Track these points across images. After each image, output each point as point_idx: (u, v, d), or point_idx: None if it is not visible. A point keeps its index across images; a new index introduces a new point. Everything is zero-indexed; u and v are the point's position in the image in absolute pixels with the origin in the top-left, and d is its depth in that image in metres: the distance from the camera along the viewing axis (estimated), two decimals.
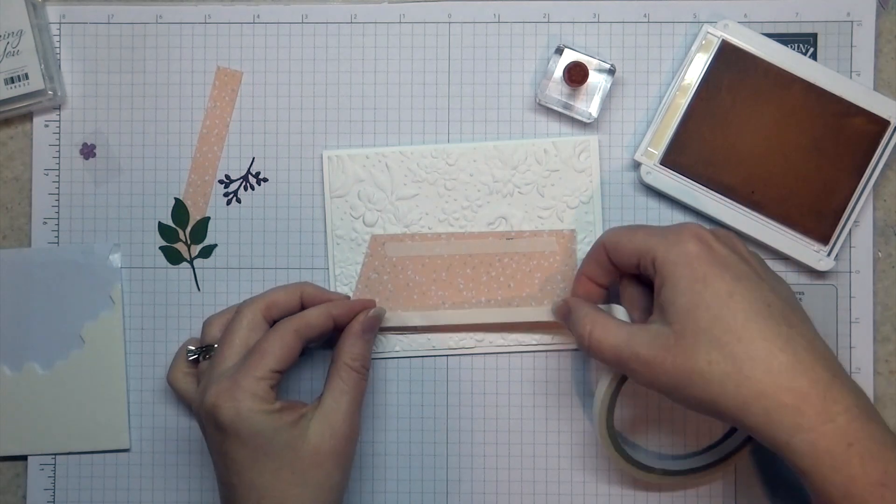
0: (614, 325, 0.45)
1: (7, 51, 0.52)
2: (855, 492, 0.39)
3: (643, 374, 0.43)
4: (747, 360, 0.40)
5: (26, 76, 0.52)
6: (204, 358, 0.49)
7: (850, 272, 0.53)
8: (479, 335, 0.53)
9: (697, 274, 0.42)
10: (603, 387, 0.48)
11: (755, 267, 0.44)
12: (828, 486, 0.40)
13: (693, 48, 0.52)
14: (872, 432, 0.40)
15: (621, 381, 0.48)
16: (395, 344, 0.53)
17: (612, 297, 0.50)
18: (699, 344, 0.41)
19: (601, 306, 0.48)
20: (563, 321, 0.49)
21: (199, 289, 0.54)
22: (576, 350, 0.53)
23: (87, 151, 0.54)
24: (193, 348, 0.50)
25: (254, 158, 0.54)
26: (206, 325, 0.50)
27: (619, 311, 0.47)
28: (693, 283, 0.42)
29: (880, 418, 0.41)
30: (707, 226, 0.52)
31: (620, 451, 0.50)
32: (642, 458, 0.51)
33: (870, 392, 0.52)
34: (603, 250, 0.47)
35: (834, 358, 0.42)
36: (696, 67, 0.52)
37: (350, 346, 0.48)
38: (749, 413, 0.40)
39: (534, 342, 0.53)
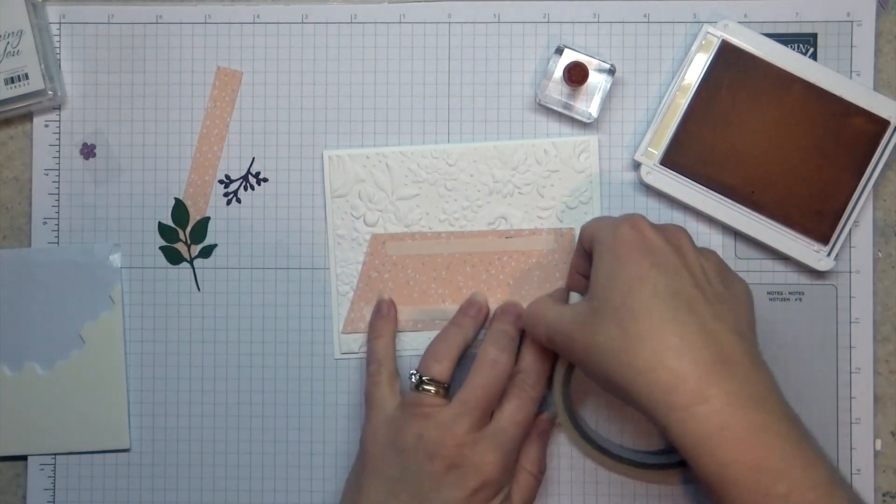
0: (550, 305, 0.47)
1: (7, 51, 0.52)
2: (729, 476, 0.39)
3: (564, 348, 0.45)
4: (637, 337, 0.41)
5: (26, 76, 0.52)
6: None
7: (850, 272, 0.53)
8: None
9: (618, 255, 0.44)
10: (559, 363, 0.50)
11: (690, 264, 0.44)
12: (703, 469, 0.40)
13: (693, 48, 0.52)
14: (753, 419, 0.39)
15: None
16: (395, 343, 0.53)
17: None
18: (605, 321, 0.42)
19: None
20: None
21: (199, 289, 0.54)
22: None
23: (87, 151, 0.54)
24: None
25: (254, 158, 0.54)
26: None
27: (574, 298, 0.50)
28: (612, 263, 0.44)
29: (778, 408, 0.40)
30: (706, 226, 0.53)
31: (580, 430, 0.50)
32: (611, 447, 0.51)
33: (870, 392, 0.52)
34: (581, 243, 0.49)
35: (741, 350, 0.41)
36: (696, 67, 0.52)
37: (528, 449, 0.50)
38: (633, 389, 0.41)
39: None
